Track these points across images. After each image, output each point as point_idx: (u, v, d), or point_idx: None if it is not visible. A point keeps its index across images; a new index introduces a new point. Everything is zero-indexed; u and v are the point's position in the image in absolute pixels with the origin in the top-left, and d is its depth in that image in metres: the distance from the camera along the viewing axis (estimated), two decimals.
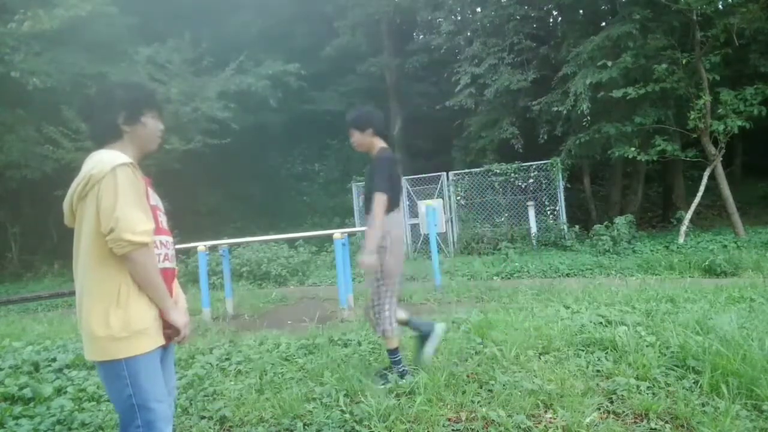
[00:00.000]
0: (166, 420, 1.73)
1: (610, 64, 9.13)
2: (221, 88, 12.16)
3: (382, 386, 2.97)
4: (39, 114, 11.58)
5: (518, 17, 12.36)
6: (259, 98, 13.05)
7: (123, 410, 1.69)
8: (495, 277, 7.92)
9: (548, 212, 10.76)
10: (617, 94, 9.00)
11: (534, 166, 10.86)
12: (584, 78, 9.41)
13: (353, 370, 3.19)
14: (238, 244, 9.23)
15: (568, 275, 7.66)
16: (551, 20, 13.83)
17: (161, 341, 1.75)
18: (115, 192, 1.60)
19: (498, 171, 11.06)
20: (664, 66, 8.81)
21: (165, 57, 12.09)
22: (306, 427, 2.56)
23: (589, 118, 9.68)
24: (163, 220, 1.88)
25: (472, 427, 2.43)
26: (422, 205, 7.92)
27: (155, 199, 1.86)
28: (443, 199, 10.93)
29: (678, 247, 8.57)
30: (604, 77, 9.16)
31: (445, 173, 11.48)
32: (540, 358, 3.27)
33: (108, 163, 1.63)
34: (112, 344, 1.64)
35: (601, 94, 9.26)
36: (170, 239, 1.91)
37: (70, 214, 1.73)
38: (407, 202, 11.75)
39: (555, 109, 10.25)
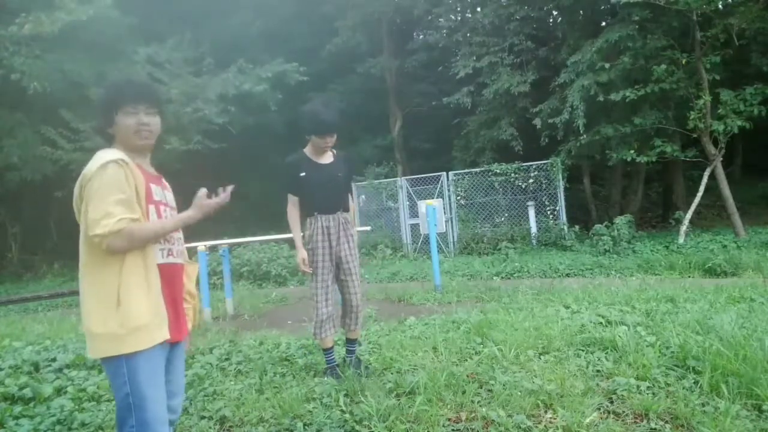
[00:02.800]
0: (161, 422, 1.72)
1: (607, 66, 9.12)
2: (221, 90, 12.15)
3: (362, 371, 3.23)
4: (38, 116, 11.57)
5: (518, 18, 12.36)
6: (259, 100, 13.05)
7: (120, 408, 1.69)
8: (495, 277, 7.92)
9: (548, 212, 10.76)
10: (616, 97, 8.99)
11: (534, 166, 10.87)
12: (581, 86, 9.39)
13: (353, 370, 3.19)
14: (238, 244, 9.23)
15: (568, 275, 7.66)
16: (551, 20, 13.82)
17: (162, 337, 1.74)
18: (96, 191, 1.63)
19: (498, 171, 11.06)
20: (663, 67, 8.81)
21: (165, 57, 12.08)
22: (306, 427, 2.56)
23: (584, 135, 9.70)
24: (168, 215, 1.87)
25: (472, 427, 2.43)
26: (422, 205, 7.92)
27: (160, 195, 1.86)
28: (443, 199, 10.92)
29: (678, 247, 8.57)
30: (602, 79, 9.15)
31: (445, 173, 11.48)
32: (540, 358, 3.27)
33: (97, 161, 1.66)
34: (112, 341, 1.65)
35: (599, 98, 9.26)
36: (177, 235, 1.91)
37: (78, 214, 1.75)
38: (407, 202, 11.77)
39: (551, 120, 10.26)
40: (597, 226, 9.39)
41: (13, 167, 11.68)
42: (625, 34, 9.08)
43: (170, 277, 1.84)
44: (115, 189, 1.64)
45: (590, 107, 9.58)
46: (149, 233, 1.72)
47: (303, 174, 3.26)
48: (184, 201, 1.91)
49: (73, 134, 11.04)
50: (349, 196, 3.50)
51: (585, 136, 9.74)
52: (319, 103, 3.27)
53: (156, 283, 1.76)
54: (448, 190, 11.39)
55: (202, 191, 1.82)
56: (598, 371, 3.00)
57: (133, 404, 1.66)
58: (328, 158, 3.34)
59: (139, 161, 1.83)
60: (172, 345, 1.84)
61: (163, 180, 1.97)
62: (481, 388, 2.86)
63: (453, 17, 14.27)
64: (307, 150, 3.33)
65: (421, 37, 17.67)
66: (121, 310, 1.65)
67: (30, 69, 10.53)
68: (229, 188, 1.87)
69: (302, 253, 3.28)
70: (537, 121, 10.79)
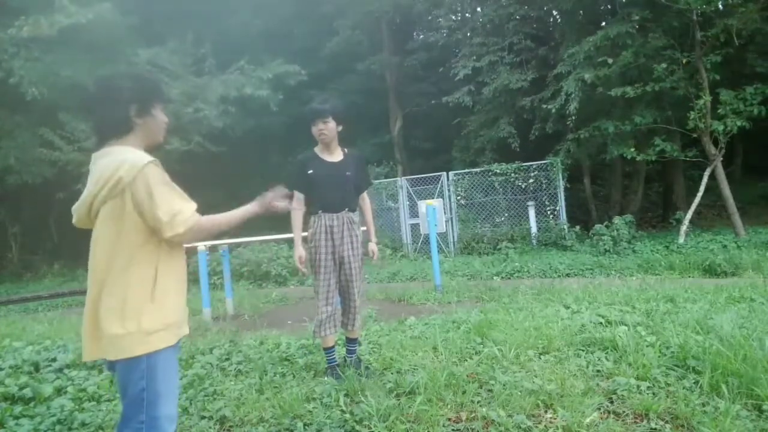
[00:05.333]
0: (171, 419, 1.72)
1: (611, 61, 9.11)
2: (222, 92, 12.15)
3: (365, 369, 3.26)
4: (37, 118, 11.56)
5: (518, 17, 12.37)
6: (260, 102, 13.06)
7: (130, 402, 1.67)
8: (495, 277, 7.92)
9: (548, 212, 10.76)
10: (616, 92, 8.98)
11: (534, 166, 10.87)
12: (578, 76, 9.39)
13: (353, 370, 3.20)
14: (238, 244, 9.22)
15: (568, 275, 7.66)
16: (551, 20, 13.83)
17: (185, 332, 1.78)
18: (149, 193, 1.60)
19: (498, 171, 11.06)
20: (663, 65, 8.81)
21: (165, 59, 12.07)
22: (306, 427, 2.56)
23: (574, 117, 9.64)
24: None
25: (472, 427, 2.43)
26: (422, 205, 7.92)
27: None
28: (443, 199, 10.92)
29: (678, 247, 8.57)
30: (601, 74, 9.15)
31: (445, 173, 11.48)
32: (540, 358, 3.27)
33: (135, 163, 1.62)
34: (140, 339, 1.62)
35: (599, 90, 9.23)
36: None
37: (86, 216, 1.71)
38: (407, 202, 11.77)
39: (545, 106, 10.26)
40: (597, 226, 9.39)
41: (12, 170, 11.66)
42: (624, 31, 9.08)
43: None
44: (168, 186, 1.65)
45: (589, 102, 9.55)
46: (218, 225, 1.77)
47: (311, 171, 3.26)
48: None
49: (72, 135, 11.03)
50: (365, 195, 3.49)
51: (571, 122, 9.70)
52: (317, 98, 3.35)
53: (185, 278, 1.81)
54: (448, 190, 11.39)
55: (281, 190, 1.86)
56: (598, 371, 3.00)
57: (146, 400, 1.65)
58: (337, 156, 3.33)
59: None
60: None
61: None
62: (481, 388, 2.86)
63: (453, 17, 14.27)
64: (317, 148, 3.34)
65: (421, 36, 17.67)
66: (157, 306, 1.65)
67: (28, 72, 10.51)
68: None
69: (299, 251, 3.28)
70: (527, 102, 10.77)
